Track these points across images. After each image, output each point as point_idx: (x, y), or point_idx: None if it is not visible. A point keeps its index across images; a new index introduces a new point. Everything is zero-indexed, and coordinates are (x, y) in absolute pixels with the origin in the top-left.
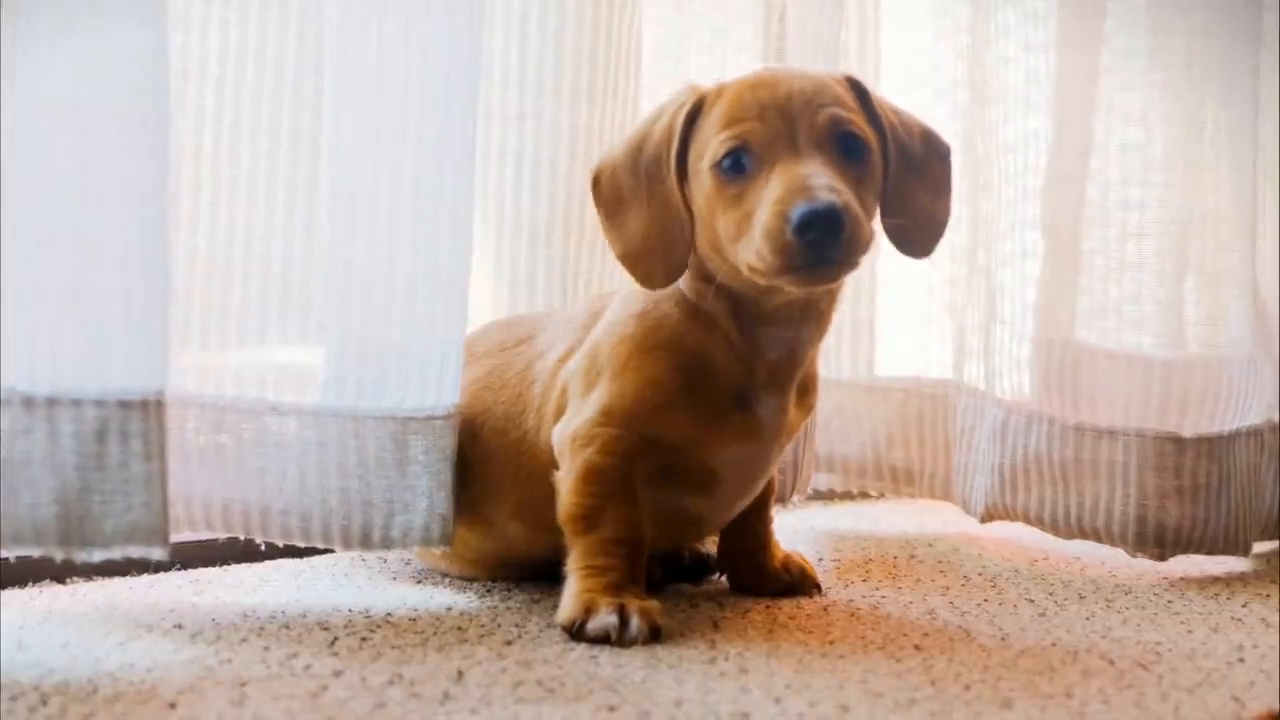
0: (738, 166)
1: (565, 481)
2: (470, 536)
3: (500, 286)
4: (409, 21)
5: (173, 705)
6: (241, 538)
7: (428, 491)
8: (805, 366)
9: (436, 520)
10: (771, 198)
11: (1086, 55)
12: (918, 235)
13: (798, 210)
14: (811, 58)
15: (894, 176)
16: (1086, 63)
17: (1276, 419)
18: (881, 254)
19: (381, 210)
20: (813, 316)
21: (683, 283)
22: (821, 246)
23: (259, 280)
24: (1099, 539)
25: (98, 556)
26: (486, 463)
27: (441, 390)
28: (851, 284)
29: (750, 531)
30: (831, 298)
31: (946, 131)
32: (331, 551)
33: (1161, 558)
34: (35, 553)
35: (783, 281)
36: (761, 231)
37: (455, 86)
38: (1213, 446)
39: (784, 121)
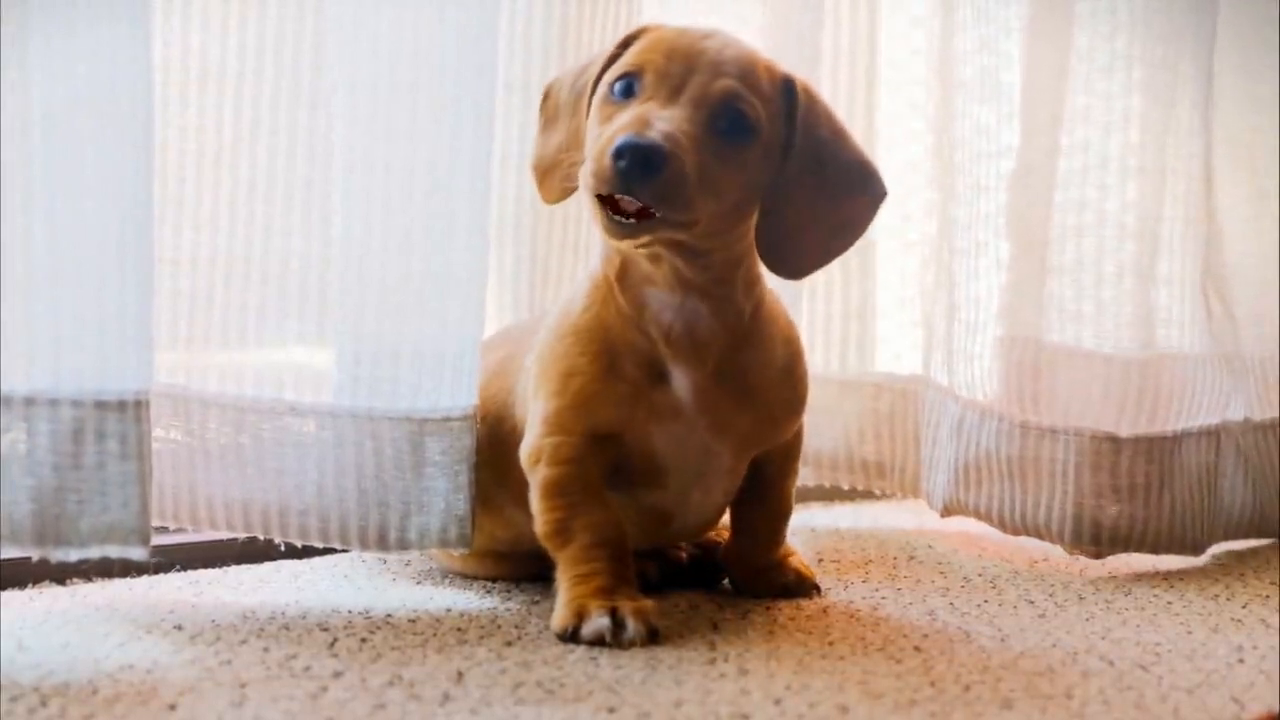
0: (626, 91)
1: (533, 500)
2: (485, 522)
3: None
4: (420, 18)
5: (173, 706)
6: (249, 537)
7: (444, 493)
8: (716, 348)
9: (454, 522)
10: (614, 125)
11: (1056, 55)
12: (782, 251)
13: (621, 138)
14: (794, 55)
15: (786, 184)
16: (1056, 62)
17: (1257, 418)
18: (877, 254)
19: (395, 208)
20: (695, 288)
21: (600, 256)
22: (630, 179)
23: (278, 279)
24: (1040, 536)
25: (74, 556)
26: (492, 447)
27: (457, 390)
28: (822, 280)
29: (757, 540)
30: (711, 272)
31: (930, 128)
32: (334, 552)
33: (1098, 555)
34: (12, 552)
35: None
36: (592, 152)
37: (468, 83)
38: (1151, 446)
39: (683, 70)
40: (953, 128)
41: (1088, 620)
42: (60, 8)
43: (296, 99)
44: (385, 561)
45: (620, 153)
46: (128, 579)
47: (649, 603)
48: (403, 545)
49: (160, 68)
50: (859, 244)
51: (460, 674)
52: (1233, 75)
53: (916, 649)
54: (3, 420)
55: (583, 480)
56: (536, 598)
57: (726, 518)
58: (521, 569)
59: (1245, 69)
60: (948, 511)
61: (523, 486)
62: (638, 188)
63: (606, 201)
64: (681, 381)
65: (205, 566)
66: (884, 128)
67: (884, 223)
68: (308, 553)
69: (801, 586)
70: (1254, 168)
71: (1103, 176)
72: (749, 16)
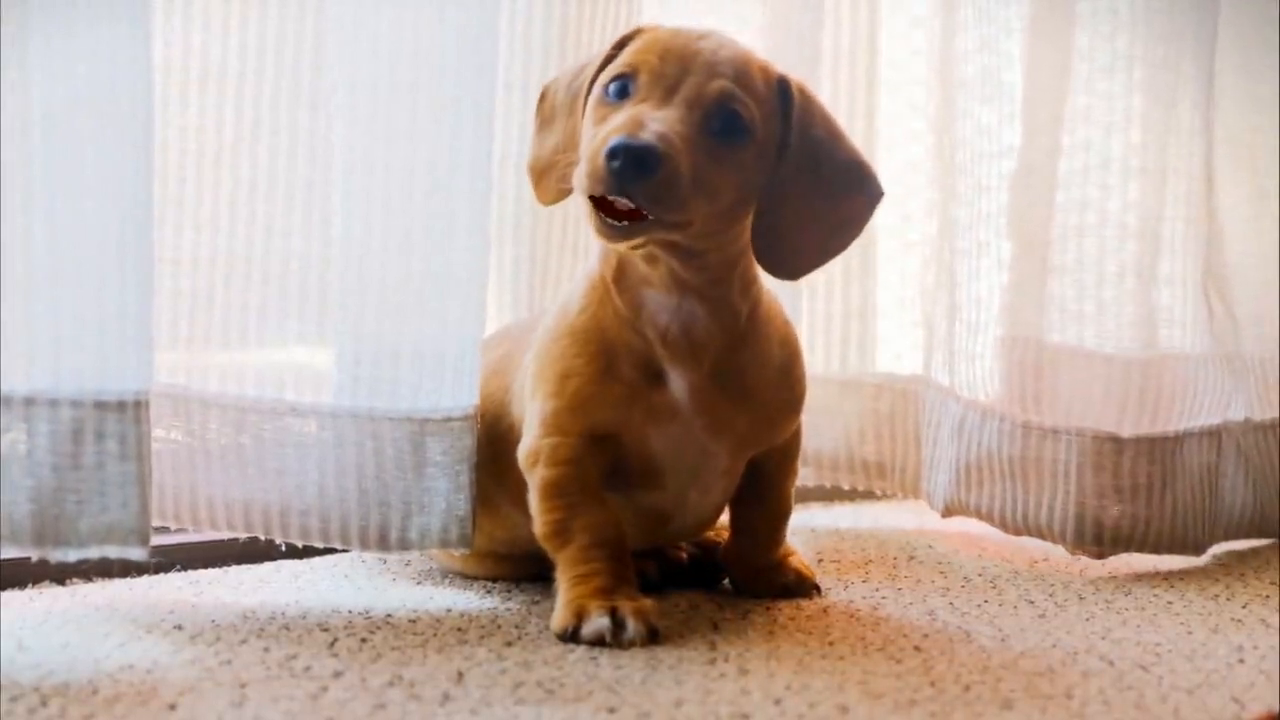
0: (621, 92)
1: (531, 501)
2: (483, 522)
3: None
4: (420, 18)
5: (173, 706)
6: (251, 537)
7: (445, 493)
8: (713, 348)
9: (454, 522)
10: (608, 126)
11: (1057, 55)
12: (778, 251)
13: (614, 139)
14: (794, 56)
15: (781, 184)
16: (1057, 62)
17: (1258, 418)
18: (878, 254)
19: (395, 208)
20: (692, 289)
21: (597, 256)
22: (624, 180)
23: (278, 279)
24: (1042, 536)
25: (74, 556)
26: (490, 446)
27: (458, 391)
28: (823, 280)
29: (757, 540)
30: (708, 273)
31: (929, 128)
32: (334, 552)
33: (1100, 556)
34: (11, 552)
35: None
36: (586, 153)
37: (468, 83)
38: (1153, 446)
39: (678, 71)
40: (954, 128)
41: (1088, 620)
42: (60, 8)
43: (296, 99)
44: (385, 561)
45: (614, 153)
46: (128, 579)
47: (649, 603)
48: (403, 545)
49: (160, 68)
50: (859, 244)
51: (460, 674)
52: (1234, 75)
53: (916, 649)
54: (3, 420)
55: (581, 481)
56: (536, 598)
57: (726, 517)
58: (521, 569)
59: (1246, 69)
60: (949, 512)
61: (520, 486)
62: (632, 189)
63: (600, 203)
64: (678, 382)
65: (205, 566)
66: (884, 128)
67: (884, 223)
68: (308, 553)
69: (801, 586)
70: (1255, 168)
71: (1104, 176)
72: (749, 16)
